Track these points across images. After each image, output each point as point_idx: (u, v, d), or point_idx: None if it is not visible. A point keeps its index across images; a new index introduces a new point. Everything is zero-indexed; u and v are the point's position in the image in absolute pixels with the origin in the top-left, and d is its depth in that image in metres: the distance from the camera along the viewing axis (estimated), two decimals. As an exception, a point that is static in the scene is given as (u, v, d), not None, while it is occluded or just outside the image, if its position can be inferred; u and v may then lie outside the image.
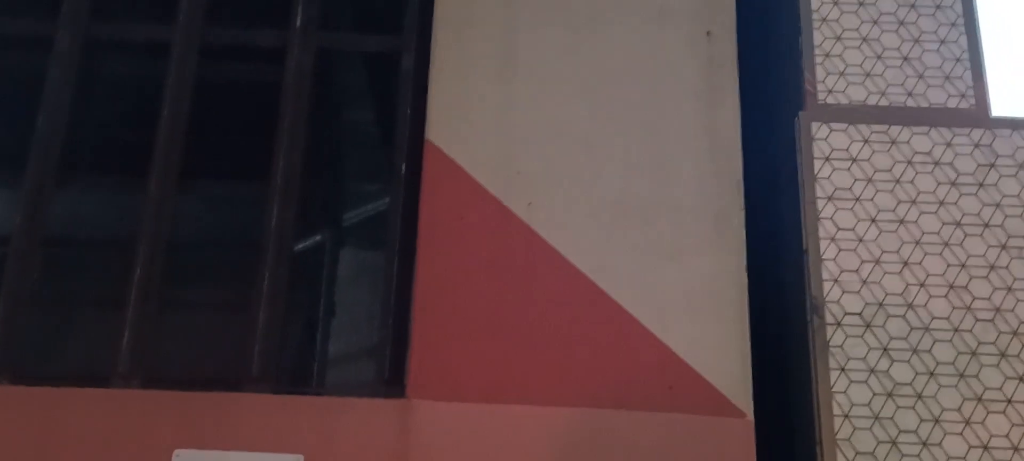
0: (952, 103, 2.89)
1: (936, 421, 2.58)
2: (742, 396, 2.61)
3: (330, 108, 3.51)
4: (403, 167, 2.94)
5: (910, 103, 2.89)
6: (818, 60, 2.94)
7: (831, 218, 2.77)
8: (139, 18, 3.19)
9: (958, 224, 2.76)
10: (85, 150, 3.29)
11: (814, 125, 2.86)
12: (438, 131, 2.86)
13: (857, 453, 2.55)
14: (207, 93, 3.06)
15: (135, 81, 3.31)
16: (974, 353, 2.64)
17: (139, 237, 2.84)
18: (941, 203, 2.78)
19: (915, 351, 2.64)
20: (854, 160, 2.83)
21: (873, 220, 2.77)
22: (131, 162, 3.04)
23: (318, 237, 3.44)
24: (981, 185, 2.80)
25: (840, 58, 2.95)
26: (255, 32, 3.16)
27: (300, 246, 3.18)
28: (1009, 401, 2.59)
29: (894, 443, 2.56)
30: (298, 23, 3.08)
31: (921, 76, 2.92)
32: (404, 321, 2.73)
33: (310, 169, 2.99)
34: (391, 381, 2.72)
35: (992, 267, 2.72)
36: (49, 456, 2.55)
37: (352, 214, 3.61)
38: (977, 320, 2.67)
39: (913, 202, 2.78)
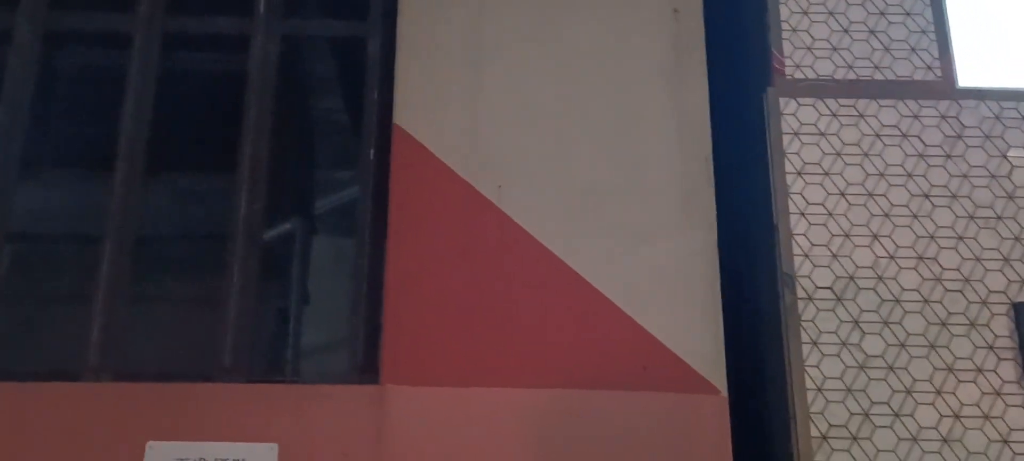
0: (918, 75, 2.90)
1: (908, 392, 2.60)
2: (716, 373, 2.62)
3: (296, 95, 3.48)
4: (371, 153, 2.93)
5: (877, 76, 2.90)
6: (785, 35, 2.94)
7: (800, 193, 2.78)
8: (100, 8, 3.15)
9: (926, 196, 2.78)
10: (49, 144, 3.25)
11: (782, 100, 2.87)
12: (406, 116, 2.85)
13: (830, 426, 2.57)
14: (171, 83, 3.03)
15: (98, 73, 3.28)
16: (944, 323, 2.66)
17: (107, 230, 2.82)
18: (909, 175, 2.80)
19: (886, 323, 2.66)
20: (822, 134, 2.84)
21: (842, 194, 2.78)
22: (97, 155, 3.01)
23: (288, 225, 3.42)
24: (948, 156, 2.81)
25: (807, 33, 2.95)
26: (219, 20, 3.13)
27: (270, 235, 3.16)
28: (979, 370, 2.61)
29: (867, 415, 2.58)
30: (262, 10, 3.06)
31: (887, 49, 2.93)
32: (376, 307, 2.72)
33: (278, 158, 2.97)
34: (365, 367, 2.71)
35: (960, 238, 2.73)
36: (21, 452, 2.52)
37: (322, 202, 3.59)
38: (946, 291, 2.69)
39: (881, 175, 2.80)
